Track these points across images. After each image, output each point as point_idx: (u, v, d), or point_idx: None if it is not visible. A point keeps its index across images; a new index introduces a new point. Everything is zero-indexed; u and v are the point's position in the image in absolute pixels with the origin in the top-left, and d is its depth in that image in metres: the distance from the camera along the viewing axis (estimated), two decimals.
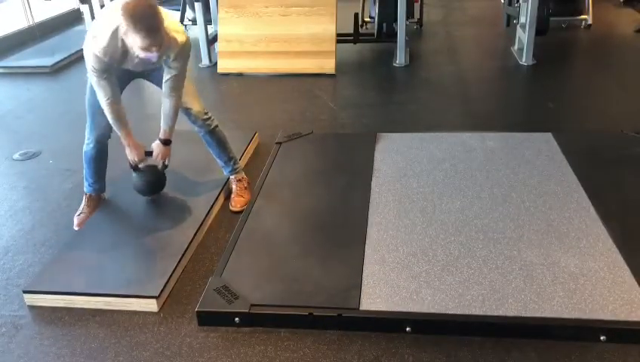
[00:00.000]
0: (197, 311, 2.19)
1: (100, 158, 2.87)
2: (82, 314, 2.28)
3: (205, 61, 5.44)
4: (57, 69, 5.55)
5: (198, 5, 5.31)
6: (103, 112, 2.59)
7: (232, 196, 3.00)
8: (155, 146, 2.75)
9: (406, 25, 5.18)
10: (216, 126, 2.92)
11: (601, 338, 2.00)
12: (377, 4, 5.55)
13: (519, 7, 5.41)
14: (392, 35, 5.41)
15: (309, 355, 2.03)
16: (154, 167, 2.86)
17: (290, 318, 2.15)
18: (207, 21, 5.49)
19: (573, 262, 2.32)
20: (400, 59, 5.21)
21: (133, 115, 4.30)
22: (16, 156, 3.72)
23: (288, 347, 2.07)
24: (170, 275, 2.39)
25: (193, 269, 2.52)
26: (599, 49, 5.48)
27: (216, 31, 5.51)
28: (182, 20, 6.79)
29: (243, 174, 3.08)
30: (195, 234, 2.66)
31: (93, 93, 2.59)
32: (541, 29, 5.09)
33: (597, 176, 2.98)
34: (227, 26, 5.22)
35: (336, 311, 2.13)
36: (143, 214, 2.85)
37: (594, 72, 4.84)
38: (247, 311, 2.15)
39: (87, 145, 2.82)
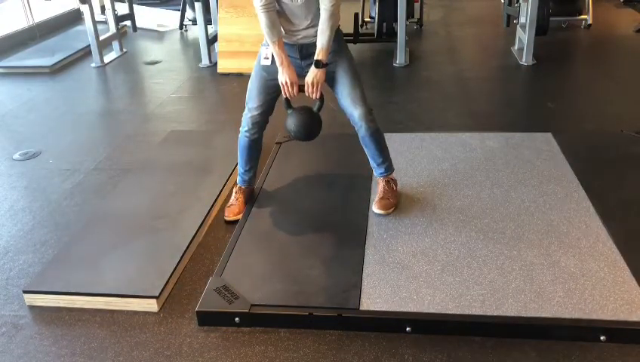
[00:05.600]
0: (197, 311, 2.19)
1: (251, 147, 2.82)
2: (82, 314, 2.28)
3: (205, 61, 5.44)
4: (57, 69, 5.55)
5: (198, 5, 5.31)
6: (260, 94, 2.64)
7: (377, 199, 2.77)
8: (309, 71, 2.55)
9: (406, 25, 5.18)
10: (378, 128, 2.69)
11: (601, 338, 2.00)
12: (377, 4, 5.55)
13: (519, 7, 5.42)
14: (392, 35, 5.42)
15: (309, 355, 2.03)
16: (308, 107, 2.65)
17: (290, 318, 2.15)
18: (207, 21, 5.49)
19: (573, 262, 2.32)
20: (400, 59, 5.21)
21: (133, 115, 4.35)
22: (16, 156, 3.72)
23: (288, 347, 2.07)
24: (170, 275, 2.39)
25: (193, 269, 2.52)
26: (599, 49, 5.48)
27: (216, 31, 5.51)
28: (182, 20, 6.81)
29: (394, 175, 2.87)
30: (195, 234, 2.66)
31: (255, 69, 2.64)
32: (541, 29, 5.09)
33: (597, 176, 2.98)
34: (227, 26, 5.22)
35: (336, 311, 2.13)
36: (144, 214, 2.85)
37: (594, 72, 4.83)
38: (247, 311, 2.15)
39: (241, 131, 2.79)
